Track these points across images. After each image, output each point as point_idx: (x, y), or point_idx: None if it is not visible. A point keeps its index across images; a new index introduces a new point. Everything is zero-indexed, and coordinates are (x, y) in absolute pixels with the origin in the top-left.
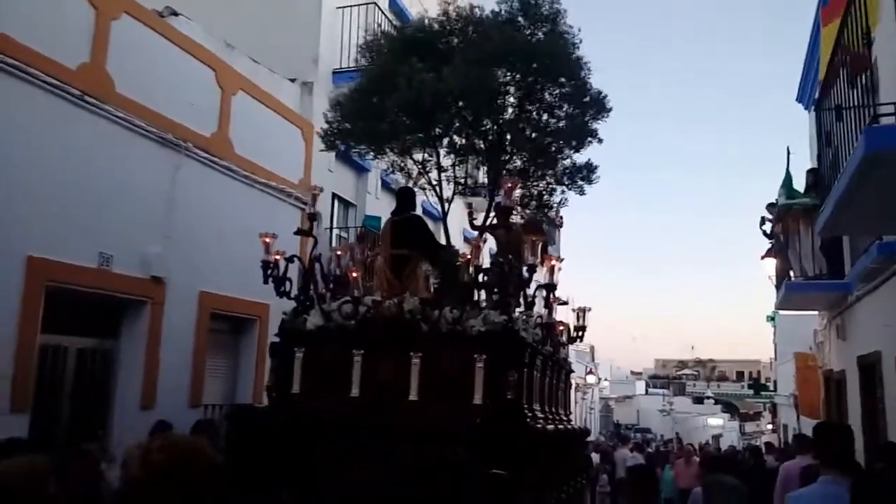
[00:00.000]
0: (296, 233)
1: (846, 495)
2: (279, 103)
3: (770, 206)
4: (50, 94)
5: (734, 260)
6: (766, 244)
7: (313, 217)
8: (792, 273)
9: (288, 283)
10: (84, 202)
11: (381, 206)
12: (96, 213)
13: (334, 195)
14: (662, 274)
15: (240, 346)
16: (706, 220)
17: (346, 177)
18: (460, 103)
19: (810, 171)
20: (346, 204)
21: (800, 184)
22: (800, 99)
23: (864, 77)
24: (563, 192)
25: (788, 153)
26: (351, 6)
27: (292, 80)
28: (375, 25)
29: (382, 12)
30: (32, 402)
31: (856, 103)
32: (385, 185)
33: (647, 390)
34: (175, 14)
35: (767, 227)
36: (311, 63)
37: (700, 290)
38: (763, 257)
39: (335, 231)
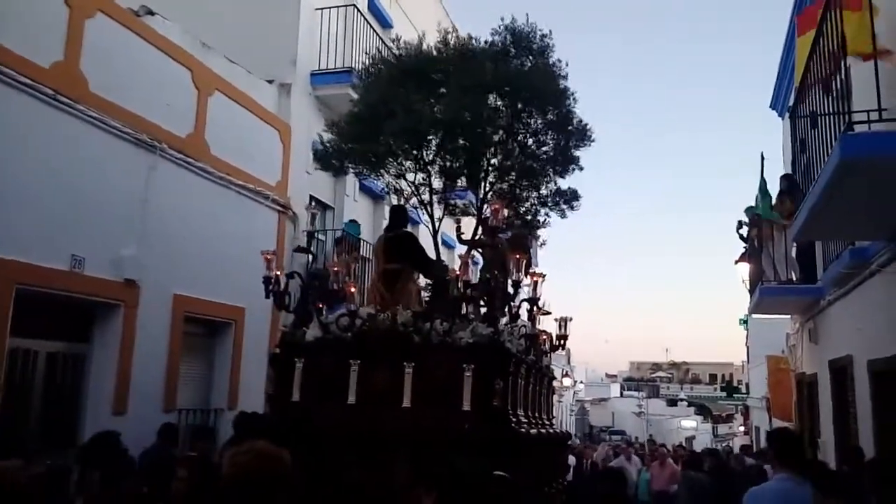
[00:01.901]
0: (295, 250)
1: (798, 489)
2: (256, 104)
3: (749, 210)
4: (22, 94)
5: (709, 263)
6: (741, 248)
7: (312, 235)
8: (765, 277)
9: (287, 298)
10: (56, 203)
11: (360, 209)
12: (68, 214)
13: (312, 197)
14: (638, 277)
15: (215, 349)
16: (682, 223)
17: (323, 179)
18: (455, 129)
19: (784, 177)
20: (323, 206)
21: (775, 189)
22: (773, 105)
23: (837, 84)
24: (546, 213)
25: (763, 159)
26: (329, 7)
27: (270, 82)
28: (375, 50)
29: (361, 14)
30: (0, 408)
31: (830, 110)
32: (363, 189)
33: (622, 393)
34: (151, 13)
35: (745, 230)
36: (290, 64)
37: (675, 294)
38: (737, 261)
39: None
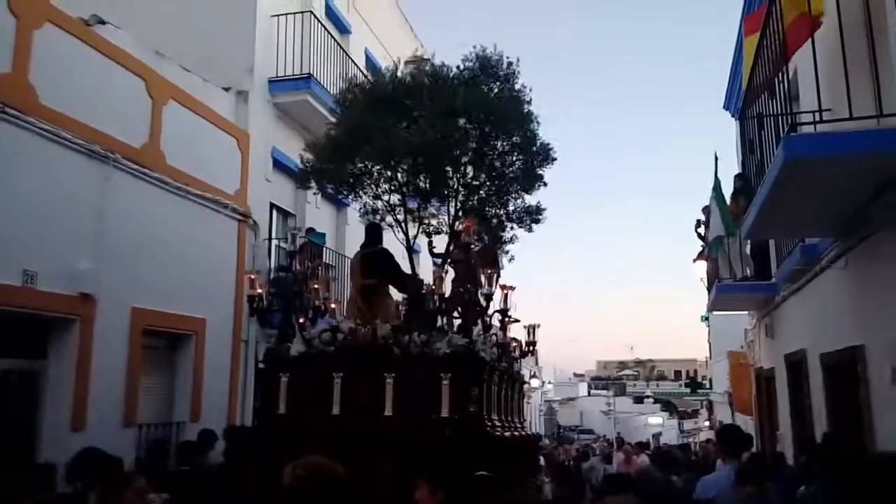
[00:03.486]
0: (279, 270)
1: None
2: (213, 112)
3: (706, 209)
4: None
5: (672, 262)
6: (700, 247)
7: (294, 255)
8: (721, 275)
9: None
10: (5, 217)
11: (322, 217)
12: (19, 228)
13: (272, 205)
14: (602, 276)
15: (176, 362)
16: (645, 220)
17: (284, 186)
18: (428, 152)
19: (737, 176)
20: (284, 214)
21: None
22: (726, 106)
23: (784, 86)
24: (512, 228)
25: (716, 159)
26: (286, 14)
27: (227, 89)
28: (352, 76)
29: (318, 21)
30: None
31: (776, 112)
32: (325, 196)
33: (589, 392)
34: (102, 22)
35: (703, 230)
36: (246, 72)
37: (639, 292)
38: (695, 260)
39: (274, 241)
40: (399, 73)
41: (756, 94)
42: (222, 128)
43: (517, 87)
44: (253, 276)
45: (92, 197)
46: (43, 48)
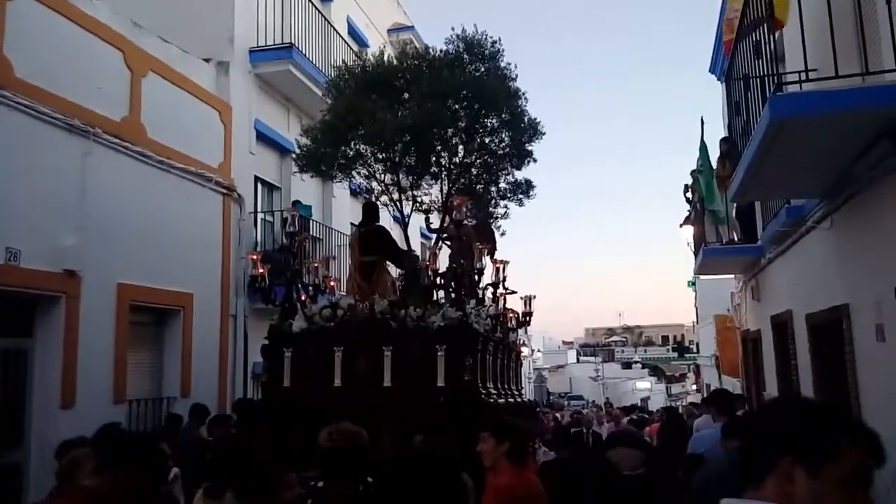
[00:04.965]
0: (279, 250)
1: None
2: (194, 84)
3: (694, 173)
4: None
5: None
6: (686, 212)
7: (293, 235)
8: (708, 238)
9: (273, 293)
10: None
11: (307, 189)
12: (0, 205)
13: (257, 178)
14: (588, 243)
15: (164, 337)
16: (632, 184)
17: (269, 159)
18: (418, 133)
19: (723, 140)
20: (269, 187)
21: (715, 152)
22: (712, 69)
23: (769, 46)
24: (505, 205)
25: (703, 123)
26: None
27: (207, 60)
28: (341, 61)
29: None
30: None
31: (761, 73)
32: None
33: (578, 359)
34: None
35: (691, 194)
36: (227, 42)
37: (626, 258)
38: (682, 225)
39: (259, 215)
40: (386, 56)
41: (741, 52)
42: (204, 100)
43: (503, 64)
44: (255, 257)
45: (73, 172)
46: (17, 20)
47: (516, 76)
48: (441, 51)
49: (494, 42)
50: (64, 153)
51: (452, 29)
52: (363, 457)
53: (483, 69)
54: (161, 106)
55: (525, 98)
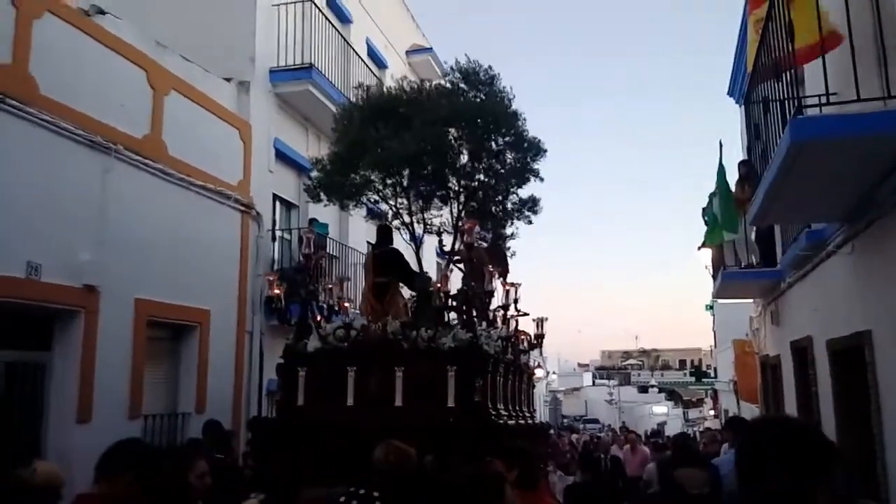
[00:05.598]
0: (296, 269)
1: None
2: (214, 103)
3: (712, 197)
4: None
5: (676, 251)
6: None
7: (309, 257)
8: (727, 262)
9: (288, 312)
10: (8, 209)
11: (324, 208)
12: (22, 220)
13: (275, 196)
14: (606, 266)
15: (180, 353)
16: (650, 209)
17: (287, 177)
18: (422, 159)
19: (741, 163)
20: (287, 205)
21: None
22: (731, 93)
23: (789, 70)
24: (513, 223)
25: (721, 146)
26: (287, 3)
27: (228, 80)
28: (359, 82)
29: (319, 10)
30: None
31: (781, 96)
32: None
33: (594, 381)
34: (102, 13)
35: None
36: (248, 62)
37: (644, 282)
38: (700, 248)
39: (277, 233)
40: (385, 88)
41: (762, 78)
42: (224, 118)
43: (499, 88)
44: (272, 278)
45: (94, 188)
46: (43, 39)
47: (514, 97)
48: (437, 84)
49: (489, 69)
50: (85, 169)
51: (445, 62)
52: (413, 474)
53: (482, 95)
54: (182, 124)
55: (524, 119)
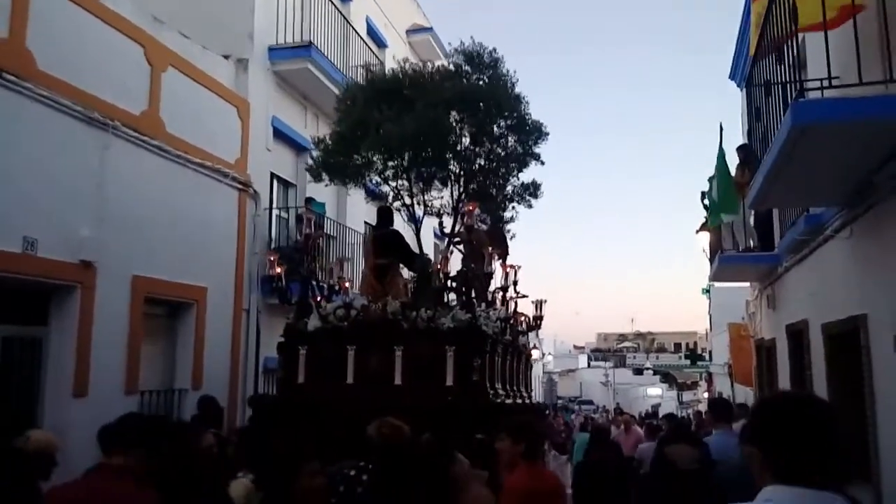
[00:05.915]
0: (294, 248)
1: (729, 440)
2: (212, 80)
3: (711, 180)
4: None
5: (673, 234)
6: (703, 217)
7: (308, 237)
8: (724, 246)
9: (289, 291)
10: (5, 184)
11: (322, 187)
12: (18, 195)
13: (273, 175)
14: (603, 248)
15: (177, 330)
16: (648, 192)
17: (285, 156)
18: (423, 141)
19: (740, 148)
20: (285, 184)
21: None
22: (732, 76)
23: (791, 52)
24: (513, 207)
25: (721, 130)
26: None
27: (226, 57)
28: (359, 61)
29: None
30: None
31: (783, 79)
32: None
33: (589, 363)
34: None
35: (708, 201)
36: (246, 39)
37: (640, 264)
38: (698, 231)
39: (275, 212)
40: (387, 68)
41: (765, 53)
42: (222, 96)
43: (503, 72)
44: (273, 258)
45: (92, 164)
46: (40, 14)
47: (516, 81)
48: (440, 65)
49: (492, 51)
50: (83, 145)
51: (449, 44)
52: (408, 449)
53: (486, 78)
54: (180, 101)
55: (527, 102)
